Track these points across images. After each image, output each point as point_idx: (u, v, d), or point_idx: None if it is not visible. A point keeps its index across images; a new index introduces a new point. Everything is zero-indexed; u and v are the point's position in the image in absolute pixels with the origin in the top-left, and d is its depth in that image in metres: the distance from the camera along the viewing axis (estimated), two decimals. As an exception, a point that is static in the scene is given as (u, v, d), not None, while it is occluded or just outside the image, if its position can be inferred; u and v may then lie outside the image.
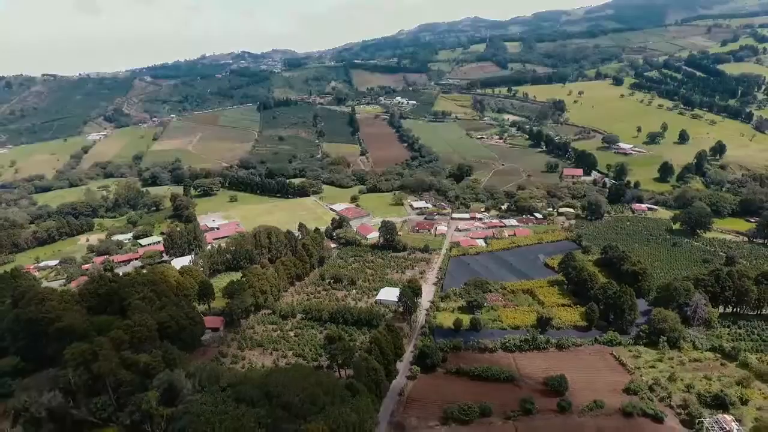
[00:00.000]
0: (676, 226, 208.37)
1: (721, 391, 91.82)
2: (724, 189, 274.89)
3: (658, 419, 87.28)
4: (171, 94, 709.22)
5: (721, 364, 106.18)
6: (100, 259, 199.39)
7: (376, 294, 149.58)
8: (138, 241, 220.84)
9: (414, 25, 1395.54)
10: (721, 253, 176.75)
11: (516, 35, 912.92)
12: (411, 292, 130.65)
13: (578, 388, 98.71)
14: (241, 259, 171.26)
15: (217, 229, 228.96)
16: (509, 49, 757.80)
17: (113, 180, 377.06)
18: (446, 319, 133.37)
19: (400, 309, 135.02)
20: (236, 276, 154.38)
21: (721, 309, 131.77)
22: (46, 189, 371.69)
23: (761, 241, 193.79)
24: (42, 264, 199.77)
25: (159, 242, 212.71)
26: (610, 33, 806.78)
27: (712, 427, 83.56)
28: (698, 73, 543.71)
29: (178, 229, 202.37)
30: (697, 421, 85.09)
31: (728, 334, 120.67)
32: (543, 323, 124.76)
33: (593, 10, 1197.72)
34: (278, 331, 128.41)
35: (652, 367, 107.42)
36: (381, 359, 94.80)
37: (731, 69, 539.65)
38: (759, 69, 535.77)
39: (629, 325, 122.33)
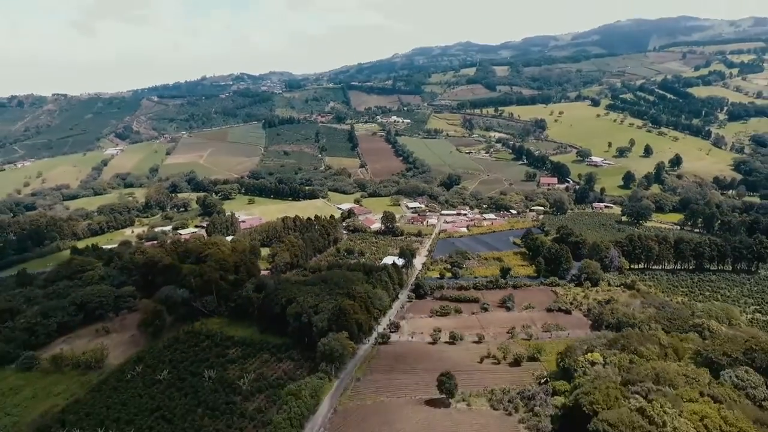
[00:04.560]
0: (624, 218, 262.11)
1: (611, 298, 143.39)
2: (677, 193, 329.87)
3: (567, 312, 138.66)
4: (177, 112, 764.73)
5: (623, 291, 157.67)
6: (149, 244, 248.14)
7: (381, 260, 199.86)
8: (178, 231, 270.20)
9: (408, 49, 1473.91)
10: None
11: (505, 59, 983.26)
12: (408, 252, 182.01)
13: (522, 303, 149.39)
14: (273, 238, 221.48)
15: (243, 222, 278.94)
16: (498, 72, 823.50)
17: (133, 189, 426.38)
18: (434, 274, 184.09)
19: (402, 269, 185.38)
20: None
21: (636, 265, 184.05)
22: (73, 197, 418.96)
23: (689, 228, 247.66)
24: (103, 247, 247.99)
25: (195, 232, 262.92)
26: (592, 58, 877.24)
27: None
28: (669, 96, 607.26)
29: (219, 215, 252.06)
30: (591, 311, 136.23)
31: (637, 279, 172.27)
32: (504, 272, 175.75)
33: (580, 36, 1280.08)
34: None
35: (577, 295, 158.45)
36: (389, 281, 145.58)
37: (699, 92, 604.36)
38: (724, 92, 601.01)
39: (565, 272, 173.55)
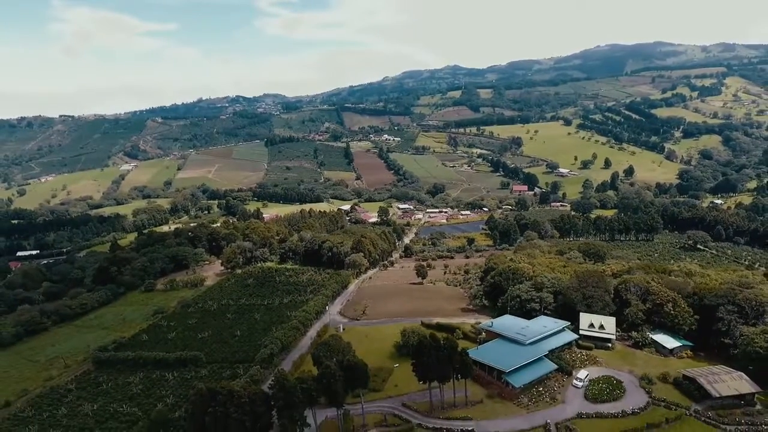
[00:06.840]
0: (573, 213, 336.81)
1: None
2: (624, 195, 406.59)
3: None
4: (181, 132, 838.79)
5: (555, 255, 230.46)
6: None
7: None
8: (211, 225, 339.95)
9: (398, 72, 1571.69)
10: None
11: (490, 83, 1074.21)
12: (399, 228, 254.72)
13: (479, 256, 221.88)
14: (293, 224, 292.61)
15: (266, 217, 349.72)
16: (482, 95, 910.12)
17: (151, 200, 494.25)
18: (418, 246, 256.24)
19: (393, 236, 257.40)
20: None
21: (567, 237, 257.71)
22: (98, 206, 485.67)
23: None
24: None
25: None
26: (570, 82, 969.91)
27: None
28: (635, 116, 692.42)
29: (245, 211, 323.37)
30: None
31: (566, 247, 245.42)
32: (470, 242, 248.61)
33: (562, 60, 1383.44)
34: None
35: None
36: (386, 238, 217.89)
37: (662, 112, 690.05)
38: (683, 113, 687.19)
39: (514, 241, 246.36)
